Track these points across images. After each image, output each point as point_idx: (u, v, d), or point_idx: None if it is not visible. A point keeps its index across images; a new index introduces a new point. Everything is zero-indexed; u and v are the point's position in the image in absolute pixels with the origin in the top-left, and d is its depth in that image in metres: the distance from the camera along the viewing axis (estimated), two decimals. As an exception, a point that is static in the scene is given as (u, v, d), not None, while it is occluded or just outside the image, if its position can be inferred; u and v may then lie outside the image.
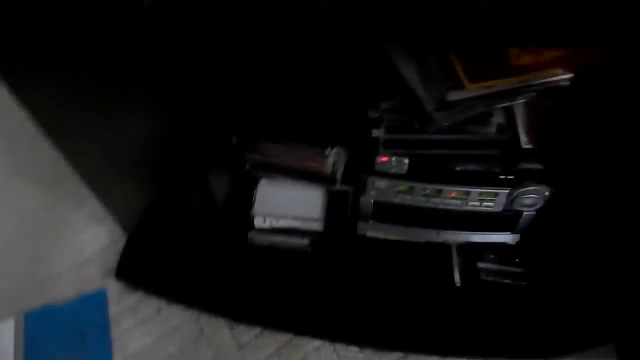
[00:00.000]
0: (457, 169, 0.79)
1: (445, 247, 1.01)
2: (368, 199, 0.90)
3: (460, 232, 0.95)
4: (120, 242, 1.15)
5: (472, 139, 0.70)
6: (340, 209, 1.01)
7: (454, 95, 0.62)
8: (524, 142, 0.69)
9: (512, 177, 0.78)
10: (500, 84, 0.62)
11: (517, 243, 0.95)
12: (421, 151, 0.74)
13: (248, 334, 1.02)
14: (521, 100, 0.64)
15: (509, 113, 0.72)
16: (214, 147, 0.88)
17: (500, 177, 0.79)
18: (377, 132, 0.73)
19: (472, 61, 0.62)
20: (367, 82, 0.71)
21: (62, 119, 0.78)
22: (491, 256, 0.99)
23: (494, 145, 0.71)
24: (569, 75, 0.62)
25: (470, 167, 0.79)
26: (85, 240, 1.17)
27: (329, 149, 0.82)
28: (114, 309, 1.06)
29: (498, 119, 0.70)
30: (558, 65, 0.61)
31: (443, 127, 0.63)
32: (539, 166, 0.70)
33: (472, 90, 0.62)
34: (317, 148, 0.83)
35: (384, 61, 0.65)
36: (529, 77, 0.61)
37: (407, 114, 0.67)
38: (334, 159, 0.85)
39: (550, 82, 0.61)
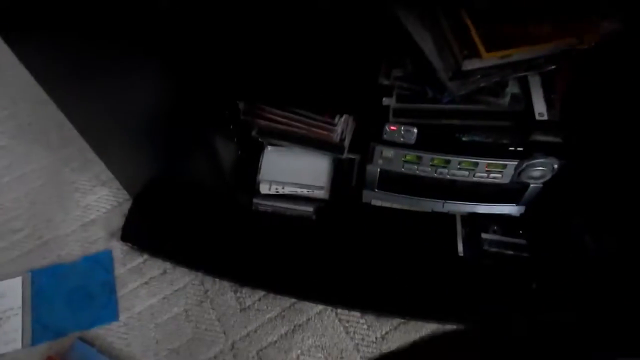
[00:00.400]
0: (464, 139, 0.79)
1: (449, 217, 1.01)
2: (374, 168, 0.89)
3: (465, 203, 0.95)
4: (126, 204, 1.16)
5: (485, 110, 0.68)
6: (346, 177, 1.01)
7: (469, 65, 0.60)
8: (538, 113, 0.68)
9: (521, 148, 0.77)
10: (517, 53, 0.60)
11: (522, 215, 0.95)
12: (432, 121, 0.73)
13: (252, 297, 1.04)
14: (539, 71, 0.62)
15: (524, 83, 0.70)
16: (220, 112, 0.87)
17: (510, 148, 0.78)
18: (387, 101, 0.72)
19: (489, 29, 0.60)
20: (379, 49, 0.69)
21: (64, 82, 0.77)
22: (495, 227, 0.99)
23: (508, 116, 0.70)
24: (589, 45, 0.60)
25: (477, 137, 0.78)
26: (91, 202, 1.18)
27: (337, 116, 0.82)
28: (119, 270, 1.08)
29: (513, 89, 0.69)
30: (579, 34, 0.59)
31: (456, 97, 0.62)
32: (552, 139, 0.69)
33: (489, 59, 0.60)
34: (326, 116, 0.82)
35: (397, 27, 0.63)
36: (547, 46, 0.59)
37: (420, 83, 0.66)
38: (342, 127, 0.84)
39: (570, 51, 0.59)
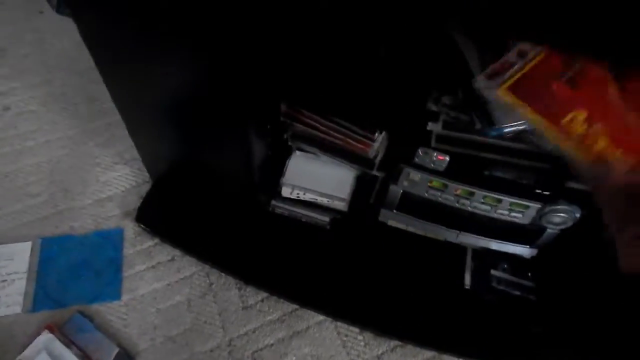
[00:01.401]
0: (493, 174, 0.80)
1: (461, 248, 1.02)
2: (398, 189, 0.91)
3: (479, 237, 0.96)
4: (144, 186, 1.17)
5: (527, 149, 0.70)
6: (366, 193, 1.03)
7: (481, 83, 0.58)
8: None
9: (547, 192, 0.79)
10: (525, 115, 0.59)
11: (533, 257, 0.97)
12: (472, 152, 0.74)
13: (255, 297, 1.05)
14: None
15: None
16: (262, 111, 0.89)
17: (536, 190, 0.80)
18: (432, 126, 0.74)
19: (531, 81, 0.60)
20: (433, 73, 0.71)
21: (114, 56, 0.79)
22: (505, 266, 1.00)
23: (548, 159, 0.72)
24: None
25: (506, 174, 0.80)
26: (110, 179, 1.19)
27: (377, 133, 0.83)
28: (128, 250, 1.09)
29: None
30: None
31: (504, 133, 0.64)
32: (586, 187, 0.71)
33: (501, 95, 0.57)
34: (366, 130, 0.83)
35: (453, 52, 0.65)
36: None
37: (469, 113, 0.68)
38: (379, 143, 0.86)
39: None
